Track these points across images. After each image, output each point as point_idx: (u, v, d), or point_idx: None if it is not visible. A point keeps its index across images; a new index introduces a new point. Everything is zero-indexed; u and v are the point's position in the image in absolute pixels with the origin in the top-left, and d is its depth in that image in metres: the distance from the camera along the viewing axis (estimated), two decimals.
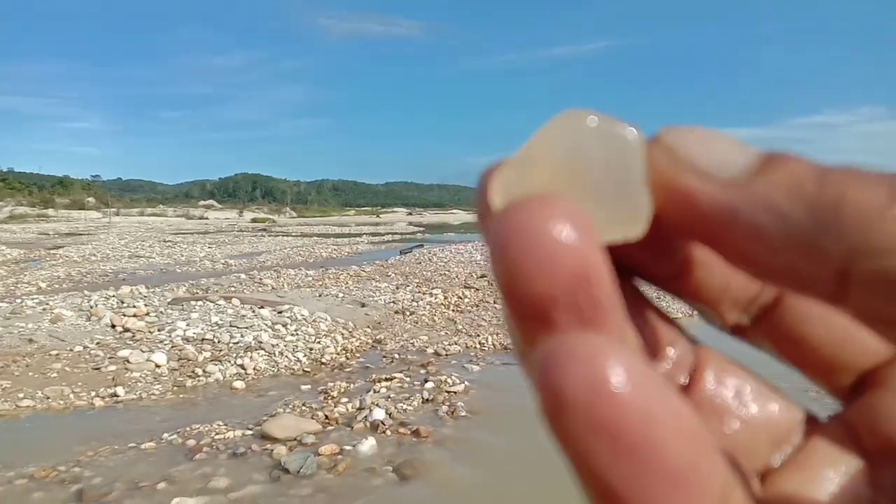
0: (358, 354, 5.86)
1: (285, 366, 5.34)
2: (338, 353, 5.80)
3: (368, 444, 3.55)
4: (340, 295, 8.25)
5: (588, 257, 0.18)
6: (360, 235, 28.67)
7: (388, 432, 3.79)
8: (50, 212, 60.43)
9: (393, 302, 8.08)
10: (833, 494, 0.23)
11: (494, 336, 6.32)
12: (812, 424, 0.25)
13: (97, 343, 5.52)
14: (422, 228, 39.61)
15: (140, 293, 7.60)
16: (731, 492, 0.19)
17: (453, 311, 7.79)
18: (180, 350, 5.41)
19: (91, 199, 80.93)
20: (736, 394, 0.25)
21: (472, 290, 9.09)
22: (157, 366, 5.09)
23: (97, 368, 5.01)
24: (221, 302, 7.00)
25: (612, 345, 0.17)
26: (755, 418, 0.25)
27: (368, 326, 6.83)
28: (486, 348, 5.99)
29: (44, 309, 6.49)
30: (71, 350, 5.34)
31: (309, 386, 4.81)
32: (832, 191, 0.18)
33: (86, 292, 7.59)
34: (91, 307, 6.55)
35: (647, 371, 0.16)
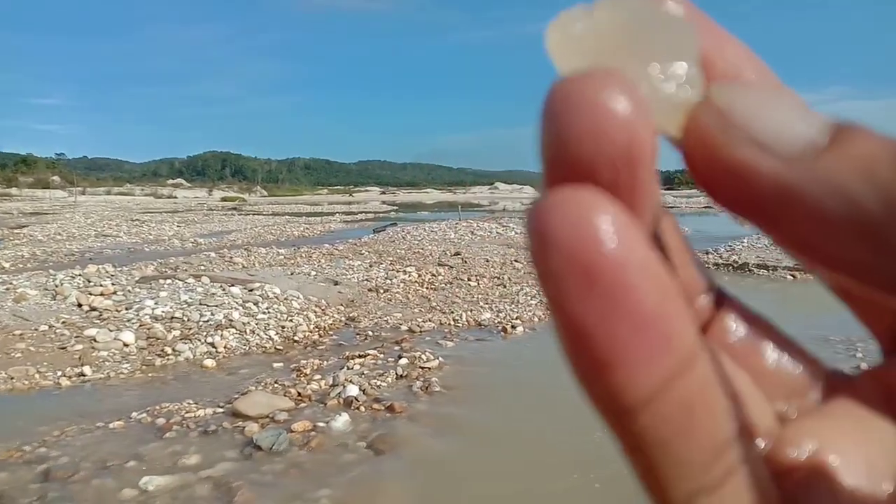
0: (331, 332, 5.83)
1: (257, 344, 5.29)
2: (311, 331, 5.76)
3: (342, 420, 3.53)
4: (313, 273, 8.19)
5: (639, 135, 0.17)
6: (332, 214, 28.46)
7: (362, 408, 3.78)
8: (13, 191, 58.99)
9: (366, 280, 8.05)
10: (846, 454, 0.21)
11: (468, 313, 6.34)
12: (840, 382, 0.23)
13: (63, 322, 5.40)
14: (395, 207, 39.49)
15: (107, 272, 7.44)
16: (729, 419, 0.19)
17: (427, 288, 7.79)
18: (149, 329, 5.32)
19: (56, 178, 78.92)
20: (754, 342, 0.24)
21: (446, 267, 9.08)
22: (126, 345, 5.01)
23: (63, 348, 4.91)
24: (191, 280, 6.91)
25: (607, 201, 0.16)
26: (774, 366, 0.23)
27: (342, 304, 6.79)
28: (459, 324, 6.00)
29: (7, 288, 6.31)
30: (36, 329, 5.22)
31: (281, 364, 4.77)
32: None
33: (51, 271, 7.40)
34: (56, 286, 6.40)
35: (631, 224, 0.16)
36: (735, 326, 0.24)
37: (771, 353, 0.24)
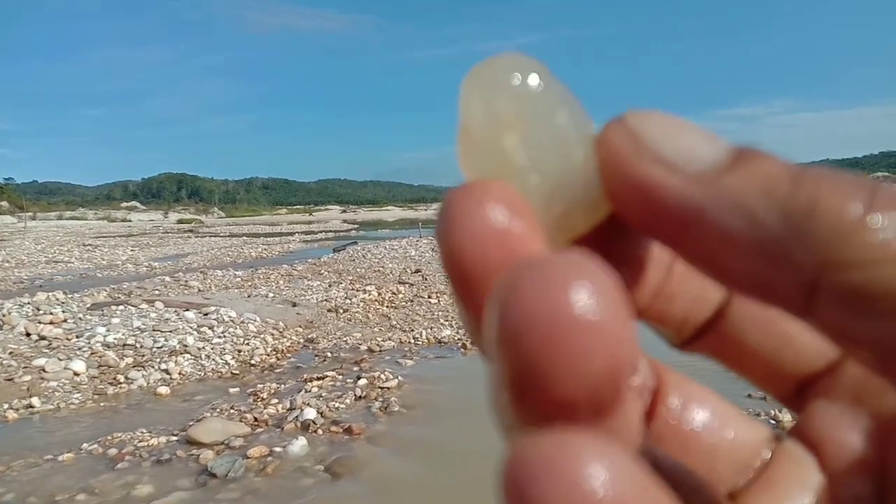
0: (289, 354, 5.76)
1: (212, 369, 5.20)
2: (268, 354, 5.69)
3: (299, 445, 3.50)
4: (271, 295, 8.09)
5: (522, 238, 0.18)
6: (291, 234, 28.20)
7: (320, 431, 3.74)
8: None
9: (325, 300, 7.98)
10: None
11: (428, 330, 6.33)
12: (777, 442, 0.24)
13: (10, 353, 5.21)
14: (356, 226, 39.31)
15: (57, 299, 7.23)
16: None
17: (387, 307, 7.76)
18: (100, 357, 5.18)
19: (4, 204, 76.40)
20: (699, 418, 0.24)
21: (407, 285, 9.07)
22: (76, 374, 4.86)
23: (10, 379, 4.73)
24: (144, 305, 6.75)
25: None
26: (720, 442, 0.24)
27: (300, 326, 6.72)
28: (419, 343, 5.99)
29: None
30: None
31: (237, 388, 4.70)
32: (806, 194, 0.17)
33: None
34: (3, 315, 6.18)
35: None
36: (679, 410, 0.24)
37: (717, 429, 0.24)
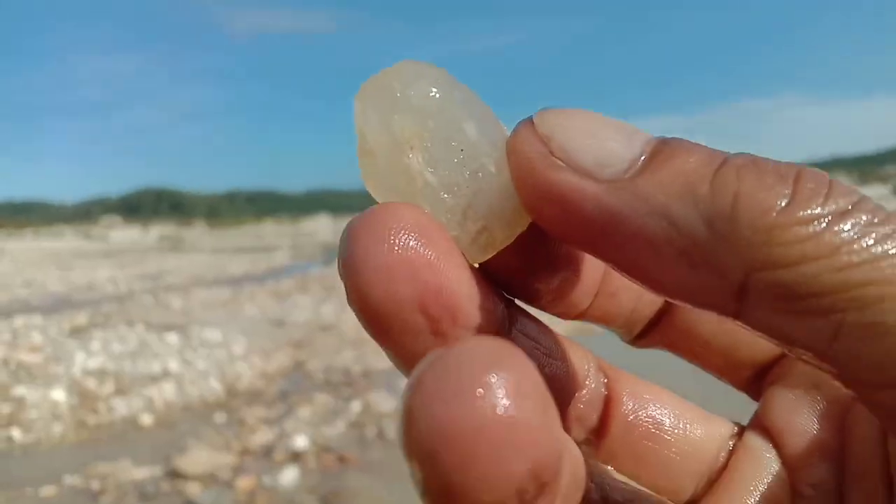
0: (277, 378, 5.65)
1: (197, 395, 5.09)
2: (255, 378, 5.57)
3: (290, 475, 3.41)
4: (257, 314, 8.00)
5: (434, 266, 0.17)
6: (278, 248, 28.01)
7: (311, 460, 3.65)
8: None
9: (315, 318, 7.88)
10: None
11: None
12: (739, 434, 0.24)
13: None
14: None
15: (35, 324, 7.12)
16: None
17: None
18: (81, 384, 5.07)
19: None
20: (656, 423, 0.23)
21: None
22: (57, 403, 4.75)
23: None
24: (124, 329, 6.67)
25: None
26: (681, 445, 0.23)
27: (289, 346, 6.60)
28: None
29: None
30: None
31: (224, 415, 4.59)
32: (726, 194, 0.17)
33: None
34: None
35: None
36: (633, 417, 0.23)
37: (674, 432, 0.23)
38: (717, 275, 0.17)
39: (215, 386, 5.27)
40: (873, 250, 0.16)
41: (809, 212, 0.16)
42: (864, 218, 0.16)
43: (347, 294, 0.18)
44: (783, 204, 0.16)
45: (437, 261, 0.17)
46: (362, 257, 0.17)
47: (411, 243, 0.17)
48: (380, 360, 5.93)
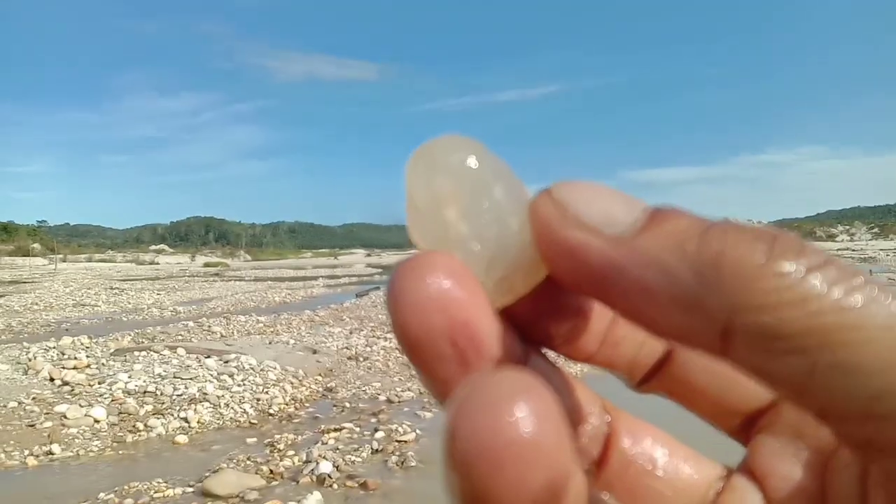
0: (307, 404, 5.74)
1: (231, 418, 5.20)
2: (286, 403, 5.67)
3: (314, 499, 3.45)
4: (292, 342, 8.11)
5: (463, 304, 0.20)
6: (315, 278, 28.34)
7: (335, 486, 3.69)
8: None
9: (346, 347, 7.98)
10: None
11: None
12: (728, 477, 0.26)
13: (33, 398, 5.28)
14: (380, 270, 39.39)
15: (82, 344, 7.32)
16: None
17: None
18: (121, 404, 5.20)
19: (37, 246, 78.21)
20: (651, 461, 0.26)
21: None
22: (97, 421, 4.88)
23: (32, 425, 4.77)
24: (166, 352, 6.79)
25: None
26: (673, 483, 0.26)
27: (320, 374, 6.71)
28: None
29: None
30: (4, 406, 5.08)
31: (255, 438, 4.68)
32: (712, 248, 0.19)
33: (25, 344, 7.28)
34: (29, 360, 6.27)
35: None
36: (631, 453, 0.26)
37: (668, 470, 0.26)
38: (705, 317, 0.19)
39: (249, 410, 5.39)
40: (841, 301, 0.18)
41: (785, 266, 0.18)
42: (833, 273, 0.18)
43: (392, 324, 0.21)
44: (762, 258, 0.18)
45: (465, 300, 0.20)
46: (403, 293, 0.20)
47: (444, 284, 0.20)
48: (404, 390, 6.00)
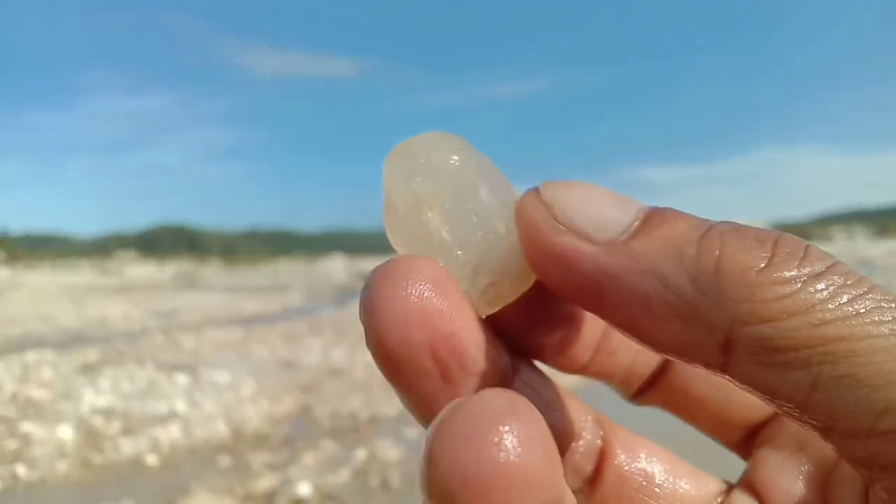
0: (284, 422, 5.59)
1: (203, 437, 5.04)
2: (261, 422, 5.52)
3: None
4: (267, 355, 7.98)
5: (445, 314, 0.19)
6: (292, 287, 28.05)
7: None
8: None
9: (325, 361, 7.84)
10: None
11: None
12: (728, 493, 0.24)
13: None
14: (360, 277, 39.23)
15: (46, 359, 7.14)
16: None
17: None
18: (88, 422, 5.06)
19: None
20: (648, 476, 0.24)
21: None
22: (63, 441, 4.73)
23: None
24: (134, 367, 6.67)
25: None
26: (670, 499, 0.24)
27: (297, 390, 6.56)
28: None
29: None
30: None
31: (229, 458, 4.54)
32: (711, 254, 0.18)
33: None
34: None
35: None
36: (626, 468, 0.24)
37: (664, 486, 0.24)
38: (705, 329, 0.18)
39: (222, 428, 5.23)
40: (845, 309, 0.17)
41: (787, 272, 0.17)
42: (837, 280, 0.17)
43: (366, 336, 0.20)
44: (763, 265, 0.17)
45: (448, 310, 0.19)
46: (381, 303, 0.19)
47: (426, 293, 0.18)
48: (387, 406, 5.87)
